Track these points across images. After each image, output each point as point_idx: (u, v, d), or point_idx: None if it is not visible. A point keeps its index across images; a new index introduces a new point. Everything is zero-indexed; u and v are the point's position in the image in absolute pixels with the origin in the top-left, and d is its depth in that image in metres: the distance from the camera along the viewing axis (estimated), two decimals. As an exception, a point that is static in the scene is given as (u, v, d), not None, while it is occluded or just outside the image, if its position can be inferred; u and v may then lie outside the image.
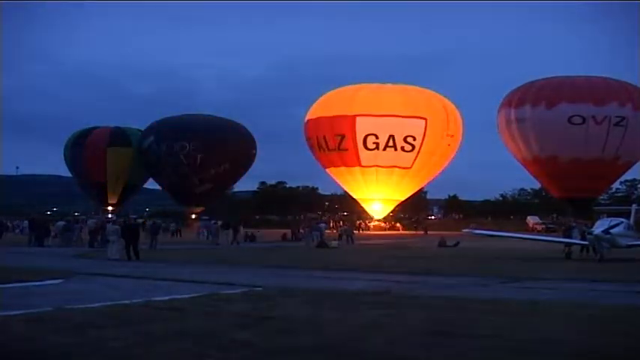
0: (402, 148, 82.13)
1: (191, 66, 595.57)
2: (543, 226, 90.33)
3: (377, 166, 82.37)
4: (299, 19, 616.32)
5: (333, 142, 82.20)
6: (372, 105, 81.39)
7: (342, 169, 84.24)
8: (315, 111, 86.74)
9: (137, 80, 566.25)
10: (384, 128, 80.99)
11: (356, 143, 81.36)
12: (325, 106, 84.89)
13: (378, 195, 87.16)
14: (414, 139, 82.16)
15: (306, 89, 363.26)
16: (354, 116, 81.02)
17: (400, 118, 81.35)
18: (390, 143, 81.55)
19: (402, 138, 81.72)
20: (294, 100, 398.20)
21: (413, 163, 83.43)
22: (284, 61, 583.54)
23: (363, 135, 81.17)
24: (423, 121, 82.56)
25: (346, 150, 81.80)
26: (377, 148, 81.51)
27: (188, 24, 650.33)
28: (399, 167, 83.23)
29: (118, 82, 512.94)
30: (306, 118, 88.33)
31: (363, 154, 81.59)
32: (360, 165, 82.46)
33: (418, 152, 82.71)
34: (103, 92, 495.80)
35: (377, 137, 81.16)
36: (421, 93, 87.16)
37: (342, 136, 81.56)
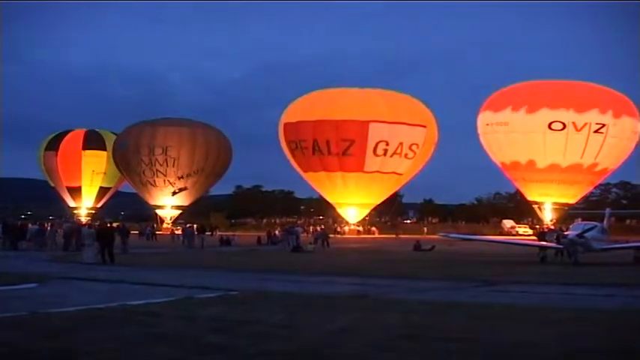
0: (406, 155, 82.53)
1: (168, 68, 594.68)
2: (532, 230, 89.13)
3: (379, 172, 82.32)
4: (276, 23, 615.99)
5: (336, 146, 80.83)
6: (383, 112, 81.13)
7: (336, 173, 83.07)
8: (300, 114, 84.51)
9: (114, 82, 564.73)
10: (395, 135, 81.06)
11: (365, 149, 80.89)
12: (318, 109, 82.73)
13: (362, 200, 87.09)
14: (418, 146, 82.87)
15: (282, 92, 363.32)
16: (367, 122, 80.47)
17: (409, 126, 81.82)
18: (398, 150, 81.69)
19: (409, 145, 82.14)
20: (270, 103, 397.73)
21: (407, 169, 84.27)
22: (261, 64, 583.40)
23: (375, 141, 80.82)
24: (425, 129, 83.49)
25: (351, 155, 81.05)
26: (385, 154, 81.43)
27: (165, 26, 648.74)
28: (396, 173, 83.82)
29: (94, 85, 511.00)
30: (286, 121, 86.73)
31: (370, 160, 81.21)
32: (362, 170, 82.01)
33: (415, 159, 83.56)
34: (78, 95, 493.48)
35: (387, 144, 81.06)
36: (416, 101, 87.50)
37: (352, 142, 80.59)
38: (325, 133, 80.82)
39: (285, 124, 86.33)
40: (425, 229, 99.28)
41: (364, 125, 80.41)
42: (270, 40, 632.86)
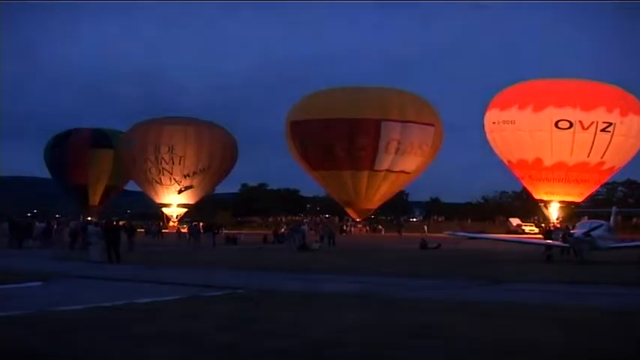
0: (415, 154, 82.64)
1: (173, 67, 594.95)
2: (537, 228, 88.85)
3: (389, 170, 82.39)
4: (282, 20, 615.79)
5: (348, 145, 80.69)
6: (394, 110, 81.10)
7: (346, 172, 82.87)
8: (309, 112, 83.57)
9: (119, 81, 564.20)
10: (407, 134, 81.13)
11: (376, 147, 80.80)
12: (328, 107, 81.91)
13: (370, 198, 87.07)
14: (427, 145, 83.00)
15: (288, 90, 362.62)
16: (380, 120, 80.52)
17: (419, 125, 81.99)
18: (409, 149, 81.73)
19: (419, 144, 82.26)
20: (276, 101, 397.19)
21: (415, 168, 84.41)
22: (267, 63, 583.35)
23: (387, 140, 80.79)
24: (433, 128, 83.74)
25: (362, 153, 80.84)
26: (396, 153, 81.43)
27: (171, 25, 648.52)
28: (404, 172, 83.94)
29: (99, 83, 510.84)
30: (293, 119, 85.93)
31: (381, 158, 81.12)
32: (372, 169, 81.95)
33: (424, 158, 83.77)
34: (84, 93, 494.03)
35: (399, 142, 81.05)
36: (423, 100, 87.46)
37: (362, 140, 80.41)
38: (336, 131, 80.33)
39: (293, 122, 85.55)
40: (425, 227, 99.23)
41: (376, 124, 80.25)
42: (275, 39, 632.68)
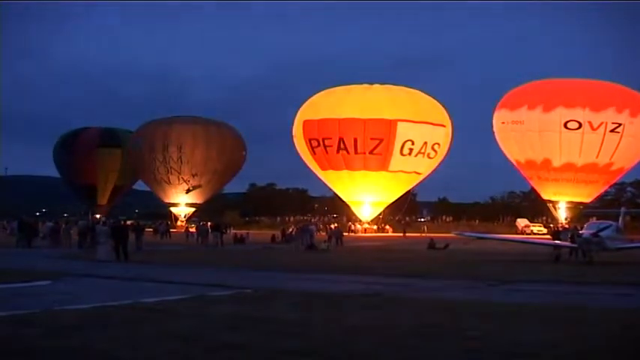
0: (428, 155, 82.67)
1: (182, 66, 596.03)
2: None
3: (402, 171, 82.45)
4: (291, 20, 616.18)
5: (364, 145, 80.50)
6: (409, 111, 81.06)
7: (359, 172, 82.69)
8: (323, 111, 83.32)
9: (128, 80, 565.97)
10: (420, 134, 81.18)
11: (392, 148, 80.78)
12: (344, 107, 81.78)
13: (379, 198, 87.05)
14: (439, 145, 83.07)
15: (297, 90, 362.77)
16: (396, 121, 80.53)
17: (432, 125, 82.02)
18: (423, 150, 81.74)
19: (432, 145, 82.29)
20: (284, 101, 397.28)
21: (427, 168, 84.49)
22: (275, 62, 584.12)
23: (403, 140, 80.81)
24: (445, 129, 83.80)
25: (377, 154, 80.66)
26: (410, 153, 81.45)
27: (179, 24, 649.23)
28: (417, 173, 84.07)
29: (108, 82, 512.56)
30: (306, 118, 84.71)
31: (395, 159, 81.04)
32: (387, 170, 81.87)
33: (435, 158, 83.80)
34: (93, 92, 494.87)
35: (413, 143, 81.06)
36: (434, 100, 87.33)
37: (380, 140, 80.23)
38: (353, 131, 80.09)
39: (306, 122, 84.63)
40: (425, 227, 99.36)
41: (392, 124, 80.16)
42: (283, 39, 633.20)
